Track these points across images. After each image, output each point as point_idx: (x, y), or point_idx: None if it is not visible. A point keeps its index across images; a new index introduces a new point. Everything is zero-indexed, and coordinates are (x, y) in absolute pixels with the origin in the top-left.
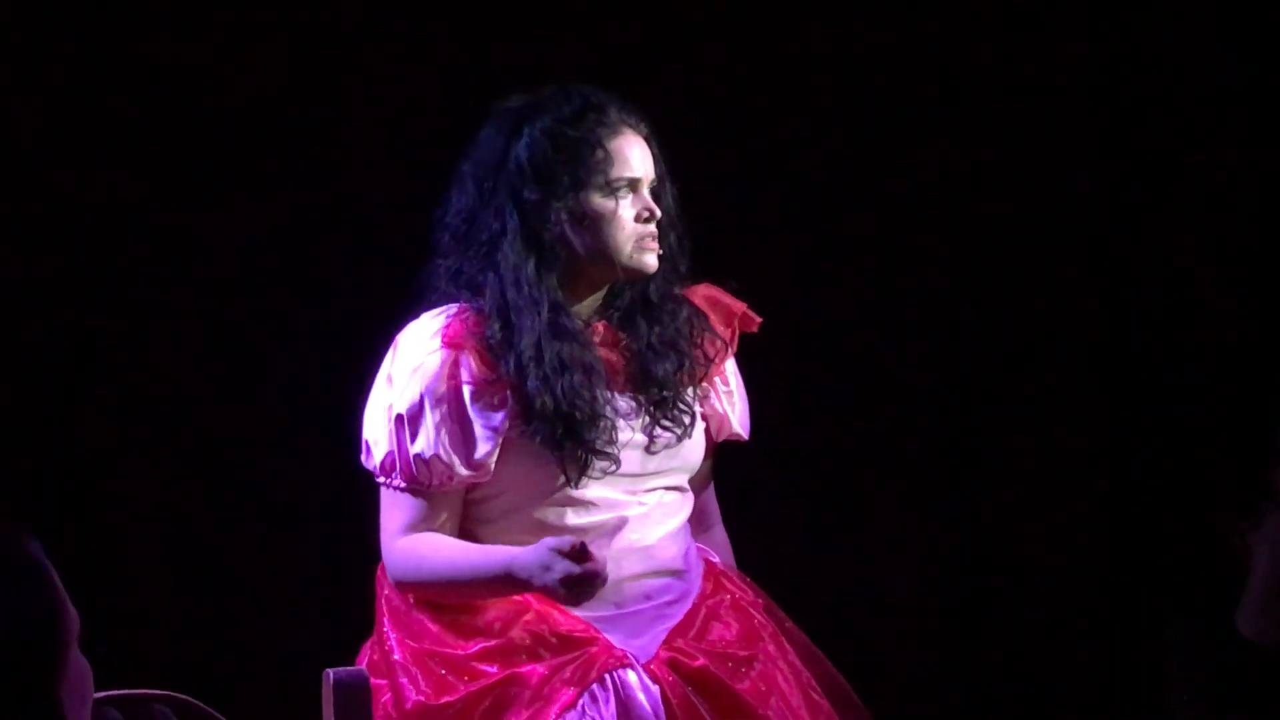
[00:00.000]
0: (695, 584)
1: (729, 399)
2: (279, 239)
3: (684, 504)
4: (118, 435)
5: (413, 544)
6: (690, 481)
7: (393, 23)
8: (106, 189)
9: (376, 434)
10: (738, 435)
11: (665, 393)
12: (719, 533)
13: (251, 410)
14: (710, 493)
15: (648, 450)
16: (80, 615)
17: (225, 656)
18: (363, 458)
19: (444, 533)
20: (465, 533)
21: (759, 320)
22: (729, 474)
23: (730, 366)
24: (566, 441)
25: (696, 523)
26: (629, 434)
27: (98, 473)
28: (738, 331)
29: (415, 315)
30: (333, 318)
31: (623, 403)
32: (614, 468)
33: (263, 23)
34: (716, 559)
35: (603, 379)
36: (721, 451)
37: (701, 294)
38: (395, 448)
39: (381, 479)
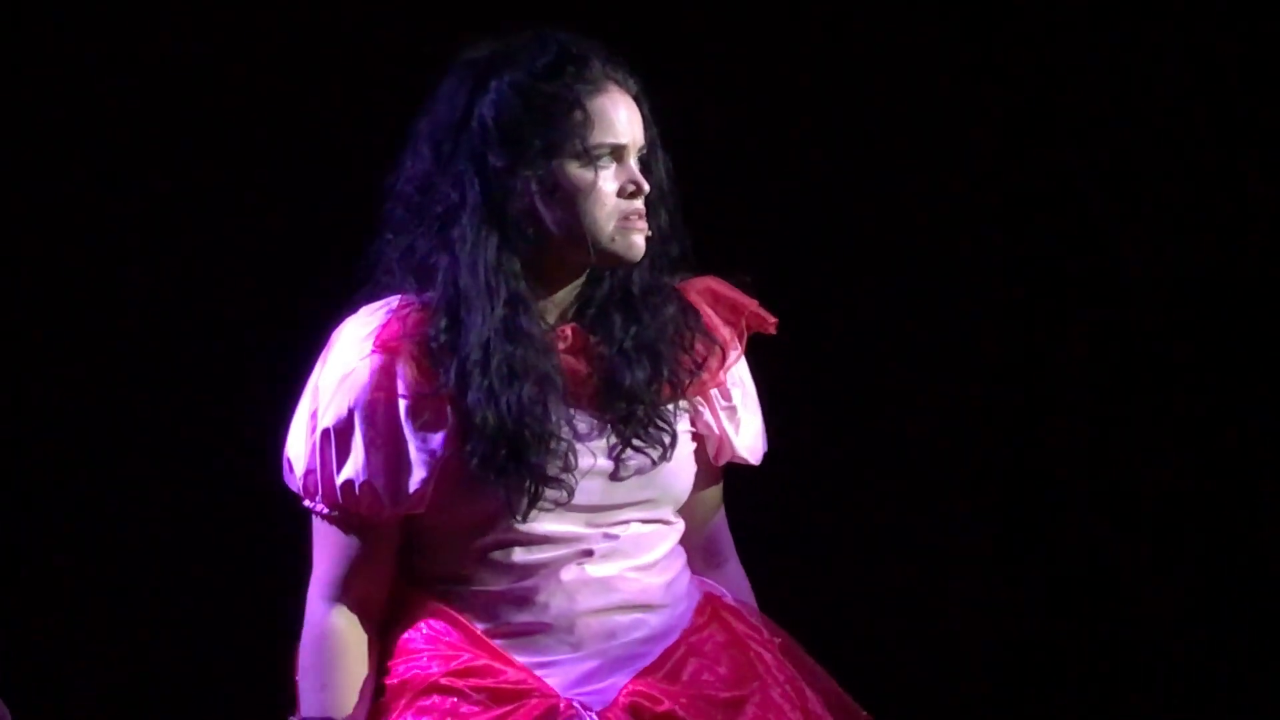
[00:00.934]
0: (681, 620)
1: (730, 416)
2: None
3: (666, 538)
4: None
5: (329, 645)
6: (690, 511)
7: None
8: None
9: (298, 449)
10: (743, 460)
11: (634, 406)
12: (733, 568)
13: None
14: (720, 523)
15: (614, 477)
16: None
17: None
18: (285, 475)
19: (381, 570)
20: (412, 568)
21: (773, 320)
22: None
23: (736, 376)
24: (511, 466)
25: (704, 558)
26: (591, 458)
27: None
28: (745, 333)
29: (355, 308)
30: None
31: (584, 420)
32: (567, 498)
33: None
34: (724, 594)
35: (559, 391)
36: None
37: (701, 287)
38: (318, 468)
39: (306, 502)
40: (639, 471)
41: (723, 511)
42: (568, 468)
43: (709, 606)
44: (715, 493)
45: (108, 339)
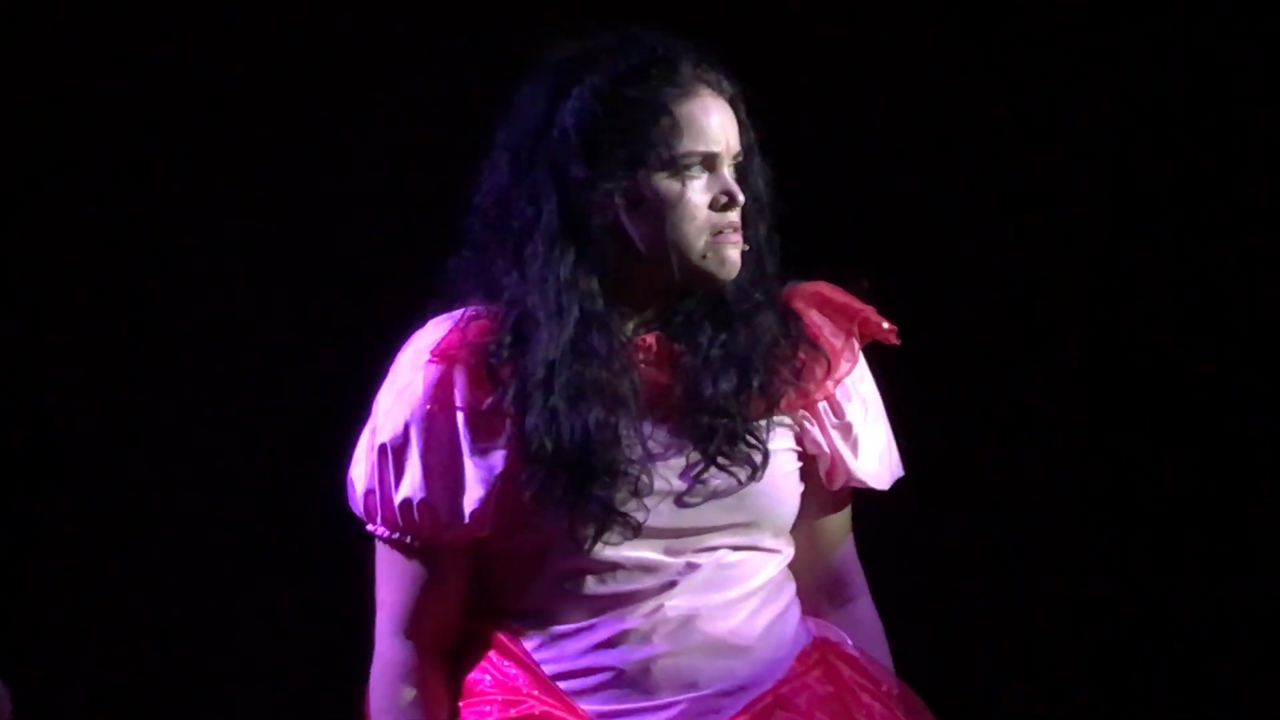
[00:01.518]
0: (778, 668)
1: (844, 434)
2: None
3: (762, 568)
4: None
5: (403, 683)
6: (808, 540)
7: None
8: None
9: (359, 469)
10: (861, 483)
11: (717, 420)
12: (862, 608)
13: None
14: (845, 555)
15: (696, 498)
16: None
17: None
18: (349, 499)
19: (449, 600)
20: (482, 597)
21: (892, 328)
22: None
23: (851, 389)
24: (570, 498)
25: (826, 595)
26: (668, 478)
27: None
28: (858, 342)
29: (424, 323)
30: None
31: (663, 437)
32: (637, 527)
33: None
34: (843, 639)
35: (632, 411)
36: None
37: (809, 293)
38: (378, 486)
39: (369, 526)
40: (725, 493)
41: (850, 542)
42: (638, 493)
43: (817, 652)
44: (838, 520)
45: (189, 353)
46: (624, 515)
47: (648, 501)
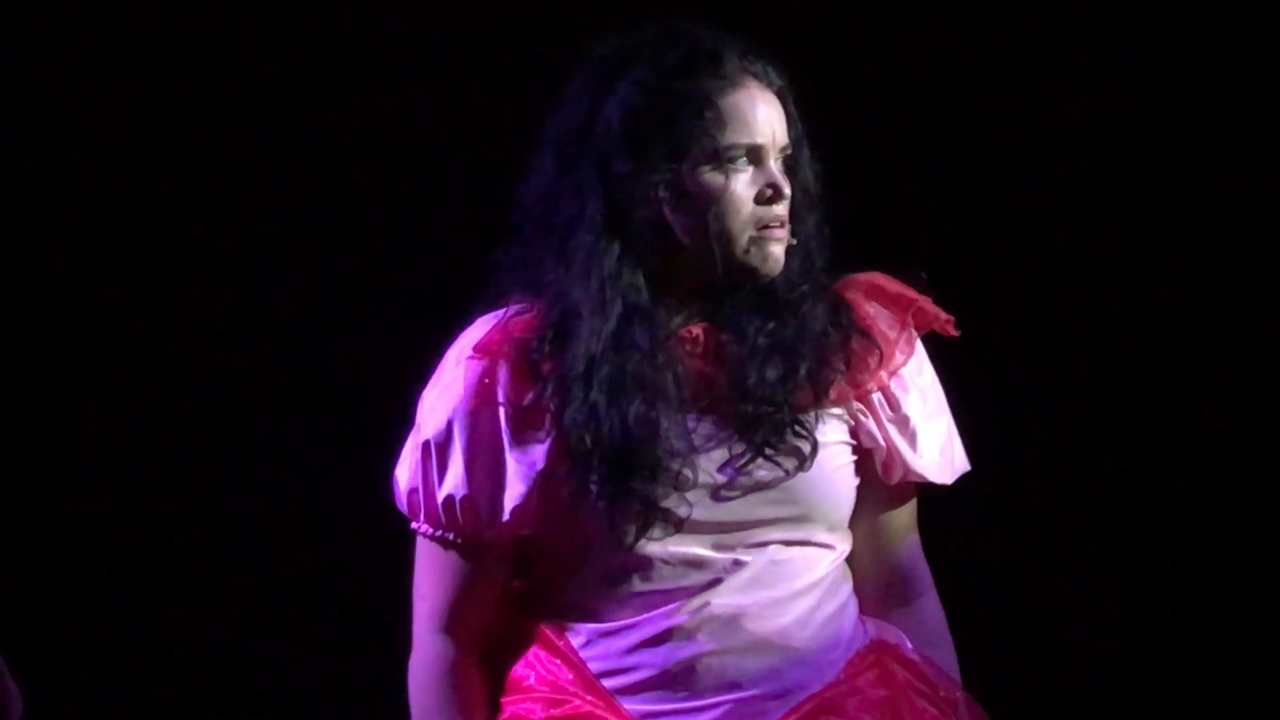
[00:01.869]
0: (830, 670)
1: (901, 426)
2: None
3: (816, 565)
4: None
5: (445, 681)
6: (868, 537)
7: None
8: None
9: (403, 467)
10: (920, 477)
11: (761, 409)
12: (927, 608)
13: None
14: (909, 552)
15: (744, 490)
16: None
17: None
18: (395, 497)
19: (490, 598)
20: (528, 592)
21: (948, 318)
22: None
23: (909, 380)
24: (610, 491)
25: (886, 594)
26: (713, 471)
27: None
28: (914, 333)
29: (471, 321)
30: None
31: (708, 429)
32: (680, 522)
33: None
34: (902, 640)
35: (674, 404)
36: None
37: (864, 283)
38: (421, 484)
39: (413, 524)
40: (772, 485)
41: (914, 539)
42: (680, 487)
43: (873, 654)
44: (900, 516)
45: (240, 354)
46: (665, 510)
47: (690, 496)
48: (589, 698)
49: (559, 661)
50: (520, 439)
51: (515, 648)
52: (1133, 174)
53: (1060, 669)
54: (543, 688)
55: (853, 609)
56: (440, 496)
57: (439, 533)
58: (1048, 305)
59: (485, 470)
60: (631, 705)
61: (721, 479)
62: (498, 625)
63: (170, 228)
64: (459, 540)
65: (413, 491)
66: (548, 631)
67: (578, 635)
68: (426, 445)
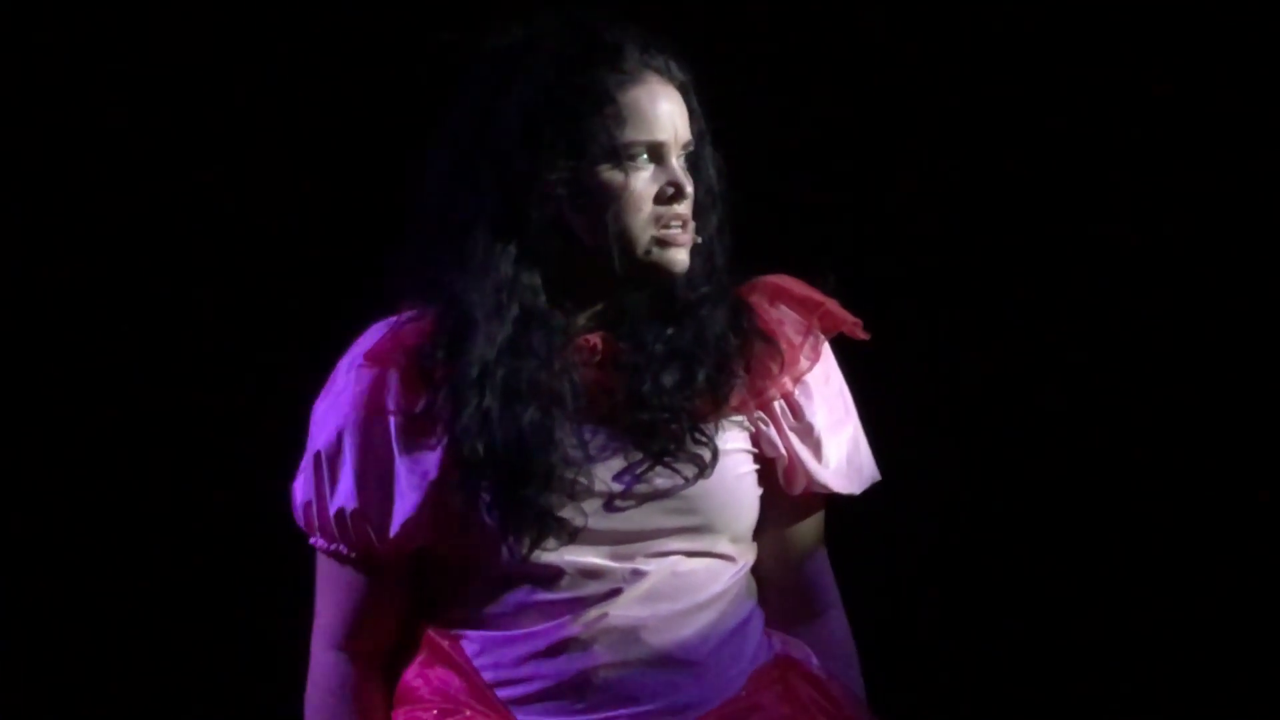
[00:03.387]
0: (731, 685)
1: (804, 435)
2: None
3: (718, 577)
4: None
5: (335, 699)
6: (774, 550)
7: None
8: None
9: (298, 480)
10: (825, 488)
11: (658, 416)
12: (833, 623)
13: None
14: (817, 565)
15: (641, 498)
16: None
17: None
18: (293, 511)
19: (388, 614)
20: (422, 599)
21: (855, 321)
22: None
23: (811, 388)
24: (501, 501)
25: (794, 609)
26: (608, 485)
27: None
28: (820, 337)
29: (367, 327)
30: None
31: (605, 437)
32: (574, 531)
33: None
34: (808, 656)
35: (569, 410)
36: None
37: (767, 286)
38: (314, 497)
39: (311, 539)
40: (670, 493)
41: (821, 552)
42: (575, 496)
43: (777, 670)
44: (806, 528)
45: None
46: (560, 520)
47: (585, 505)
48: (480, 708)
49: (451, 671)
50: (411, 448)
51: (407, 655)
52: (1043, 168)
53: (967, 684)
54: (434, 697)
55: (757, 623)
56: (332, 510)
57: (333, 546)
58: (963, 307)
59: (376, 482)
60: (525, 717)
61: (618, 487)
62: (398, 635)
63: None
64: (353, 555)
65: (307, 505)
66: (440, 640)
67: (471, 643)
68: (318, 457)
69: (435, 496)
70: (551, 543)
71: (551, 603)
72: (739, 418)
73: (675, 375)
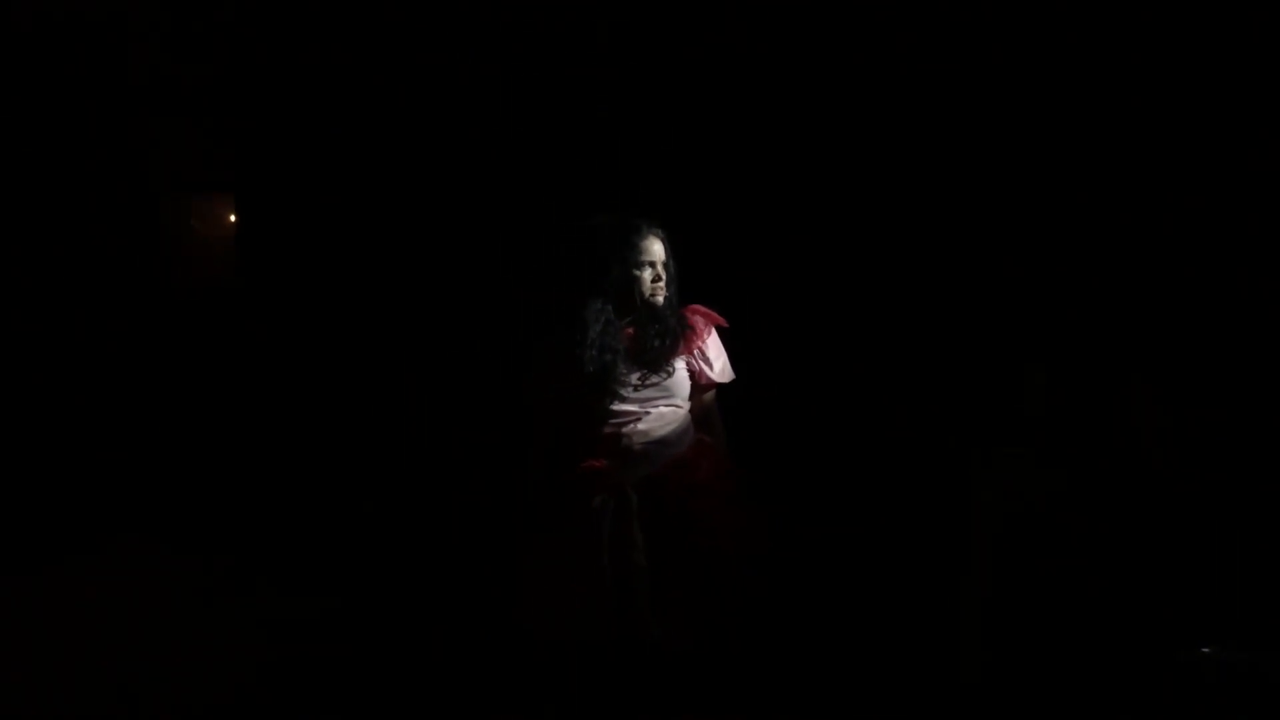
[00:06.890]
0: (681, 447)
1: (706, 363)
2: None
3: (677, 413)
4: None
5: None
6: (695, 403)
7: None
8: None
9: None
10: (712, 382)
11: (655, 358)
12: (715, 429)
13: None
14: (710, 410)
15: (648, 384)
16: None
17: None
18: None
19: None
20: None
21: (724, 322)
22: None
23: (708, 347)
24: (596, 382)
25: (700, 424)
26: (633, 381)
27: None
28: (710, 327)
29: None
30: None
31: (632, 366)
32: (621, 393)
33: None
34: (703, 437)
35: (620, 355)
36: None
37: (693, 309)
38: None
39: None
40: (658, 384)
41: (713, 404)
42: (621, 384)
43: (697, 443)
44: (709, 397)
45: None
46: (614, 391)
47: (625, 391)
48: (594, 461)
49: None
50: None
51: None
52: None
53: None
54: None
55: (691, 429)
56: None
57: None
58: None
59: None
60: (609, 460)
61: (638, 381)
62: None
63: None
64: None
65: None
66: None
67: (594, 434)
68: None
69: (576, 384)
70: (613, 400)
71: (615, 421)
72: (683, 358)
73: (658, 342)
